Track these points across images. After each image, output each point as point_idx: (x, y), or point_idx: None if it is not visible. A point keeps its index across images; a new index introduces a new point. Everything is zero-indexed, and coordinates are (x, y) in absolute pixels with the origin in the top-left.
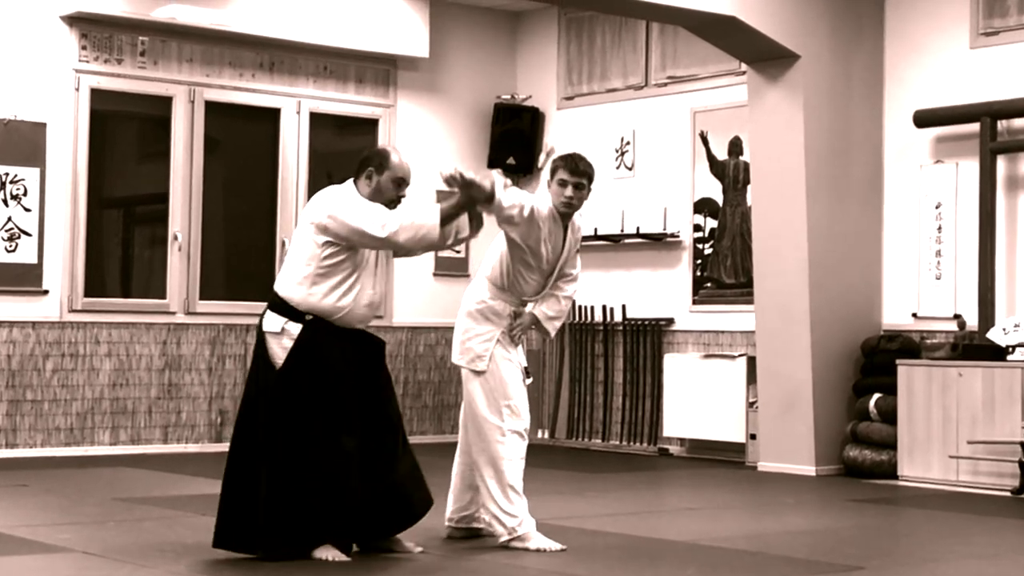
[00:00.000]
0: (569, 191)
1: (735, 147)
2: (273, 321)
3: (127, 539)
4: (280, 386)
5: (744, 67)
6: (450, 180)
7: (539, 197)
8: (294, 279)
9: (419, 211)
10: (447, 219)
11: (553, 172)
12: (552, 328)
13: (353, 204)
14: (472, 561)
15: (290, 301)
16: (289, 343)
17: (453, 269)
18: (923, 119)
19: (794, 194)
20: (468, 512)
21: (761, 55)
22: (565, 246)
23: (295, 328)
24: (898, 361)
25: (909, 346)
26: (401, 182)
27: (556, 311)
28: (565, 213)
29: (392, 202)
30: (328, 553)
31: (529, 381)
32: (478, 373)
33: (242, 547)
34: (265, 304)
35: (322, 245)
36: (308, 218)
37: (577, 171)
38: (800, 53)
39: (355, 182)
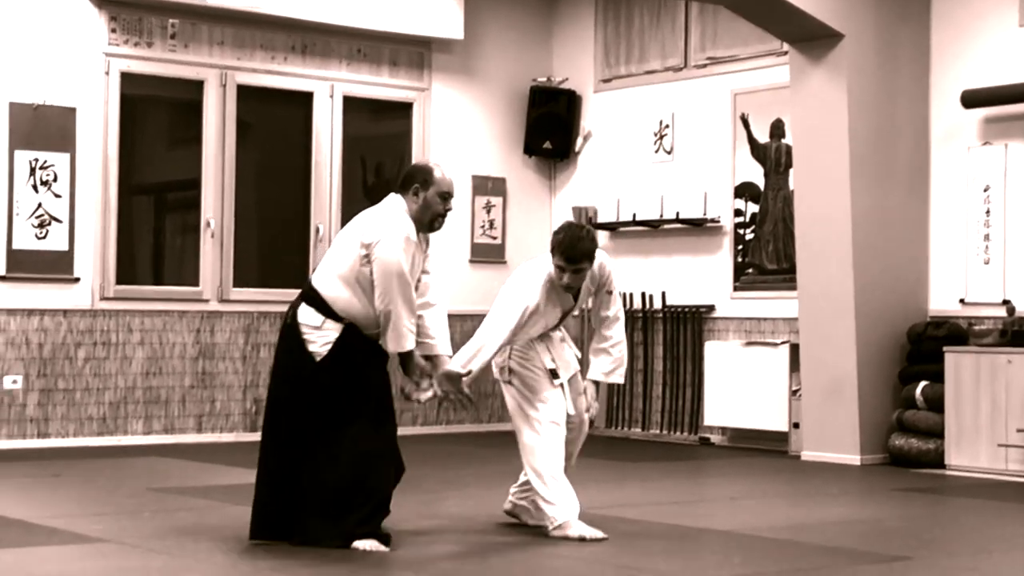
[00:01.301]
0: (567, 278)
1: (777, 130)
2: (312, 316)
3: (162, 529)
4: (324, 377)
5: (786, 47)
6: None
7: (540, 266)
8: (338, 284)
9: (407, 332)
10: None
11: (552, 249)
12: (619, 378)
13: (393, 266)
14: (515, 551)
15: (333, 304)
16: (327, 337)
17: (490, 256)
18: (971, 99)
19: (838, 178)
20: (522, 502)
21: (804, 35)
22: (579, 297)
23: (335, 325)
24: (945, 348)
25: (956, 332)
26: (447, 196)
27: (612, 363)
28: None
29: (439, 216)
30: (369, 544)
31: (558, 383)
32: (506, 382)
33: (281, 537)
34: (298, 293)
35: (368, 266)
36: (359, 237)
37: (574, 259)
38: (844, 32)
39: (403, 197)
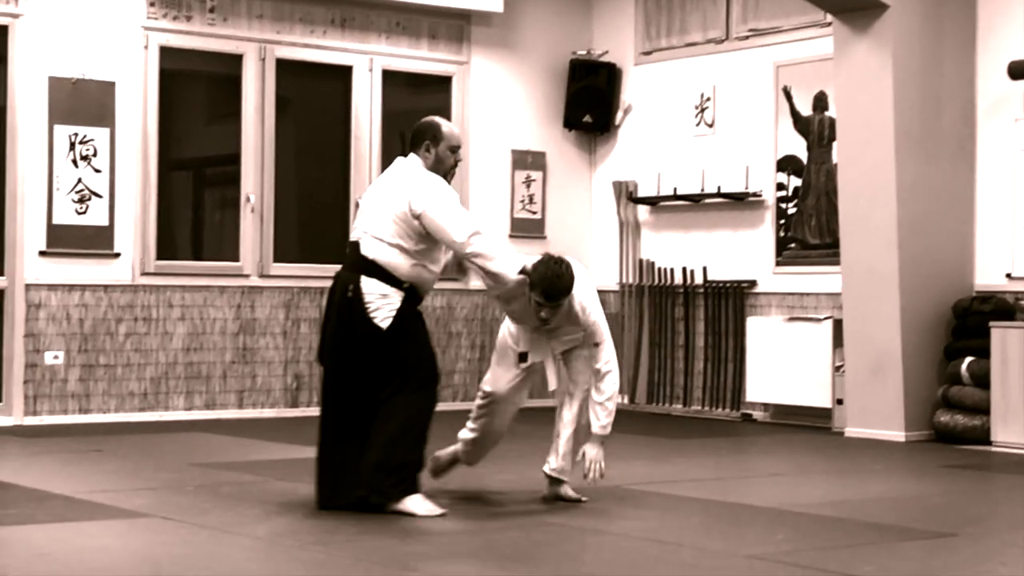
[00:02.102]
0: (544, 312)
1: (820, 102)
2: (377, 285)
3: (205, 504)
4: (392, 344)
5: (830, 18)
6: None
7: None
8: (394, 249)
9: (502, 253)
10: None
11: (531, 285)
12: (609, 430)
13: (454, 202)
14: (556, 527)
15: (395, 271)
16: (392, 304)
17: (530, 230)
18: (1018, 70)
19: (883, 151)
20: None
21: (848, 5)
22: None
23: (398, 293)
24: (991, 323)
25: (1003, 307)
26: (456, 148)
27: (607, 417)
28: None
29: (451, 169)
30: (424, 507)
31: (524, 366)
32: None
33: (346, 503)
34: (347, 265)
35: (421, 223)
36: (406, 196)
37: (552, 297)
38: (888, 3)
39: (415, 155)
